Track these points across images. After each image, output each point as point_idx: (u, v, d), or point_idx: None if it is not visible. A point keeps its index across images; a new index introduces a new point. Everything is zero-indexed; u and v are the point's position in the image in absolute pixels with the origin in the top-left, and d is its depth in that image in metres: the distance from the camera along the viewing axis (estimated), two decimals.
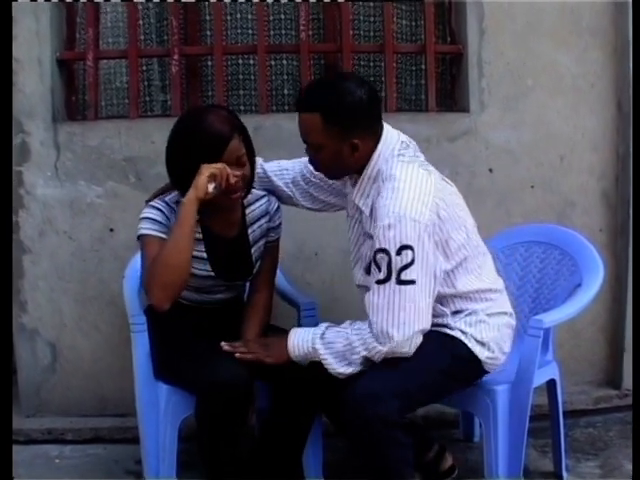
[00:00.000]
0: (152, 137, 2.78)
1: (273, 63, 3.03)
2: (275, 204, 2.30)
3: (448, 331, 2.09)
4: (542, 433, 2.56)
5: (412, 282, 1.94)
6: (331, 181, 2.24)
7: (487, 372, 2.13)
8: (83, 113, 2.99)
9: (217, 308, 2.27)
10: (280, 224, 2.31)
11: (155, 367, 2.22)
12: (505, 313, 2.17)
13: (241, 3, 3.01)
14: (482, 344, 2.08)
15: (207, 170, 2.04)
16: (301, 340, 2.07)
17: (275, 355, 2.10)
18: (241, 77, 3.04)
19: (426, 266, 1.96)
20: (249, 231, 2.26)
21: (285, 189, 2.32)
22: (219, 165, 2.05)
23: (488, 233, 2.22)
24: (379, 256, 1.95)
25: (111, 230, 2.81)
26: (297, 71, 3.00)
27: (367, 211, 2.05)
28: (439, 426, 2.72)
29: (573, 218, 2.91)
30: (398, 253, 1.92)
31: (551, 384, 2.40)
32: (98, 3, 2.96)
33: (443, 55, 3.02)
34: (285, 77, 3.05)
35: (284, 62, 3.04)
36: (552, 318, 2.22)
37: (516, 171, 2.90)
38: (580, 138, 2.93)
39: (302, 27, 2.86)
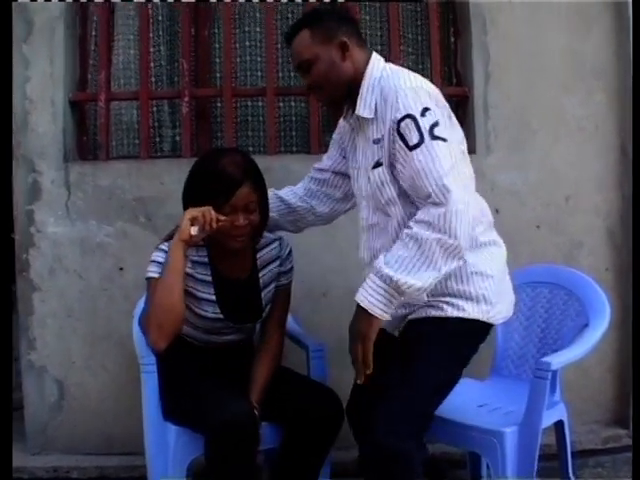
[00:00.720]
0: (161, 178, 2.82)
1: (282, 105, 3.07)
2: (287, 249, 2.30)
3: (435, 312, 1.99)
4: (551, 473, 2.54)
5: (444, 139, 1.89)
6: (336, 162, 2.27)
7: (492, 325, 2.07)
8: (94, 153, 3.03)
9: (227, 349, 2.27)
10: (291, 269, 2.31)
11: (164, 408, 2.21)
12: (496, 243, 2.12)
13: (250, 47, 3.06)
14: (477, 300, 2.00)
15: (189, 213, 2.06)
16: (368, 289, 1.88)
17: (369, 333, 1.89)
18: (250, 119, 3.08)
19: (449, 130, 1.93)
20: (260, 275, 2.26)
21: (302, 204, 2.33)
22: (203, 208, 2.05)
23: None
24: (404, 123, 1.90)
25: (120, 269, 2.83)
26: (305, 113, 3.04)
27: (372, 114, 2.01)
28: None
29: (579, 259, 2.93)
30: (422, 114, 1.89)
31: (559, 425, 2.39)
32: (111, 46, 3.02)
33: (449, 98, 3.03)
34: (293, 119, 3.08)
35: (292, 104, 3.08)
36: (560, 360, 2.21)
37: (522, 212, 2.92)
38: (585, 179, 2.95)
39: None
